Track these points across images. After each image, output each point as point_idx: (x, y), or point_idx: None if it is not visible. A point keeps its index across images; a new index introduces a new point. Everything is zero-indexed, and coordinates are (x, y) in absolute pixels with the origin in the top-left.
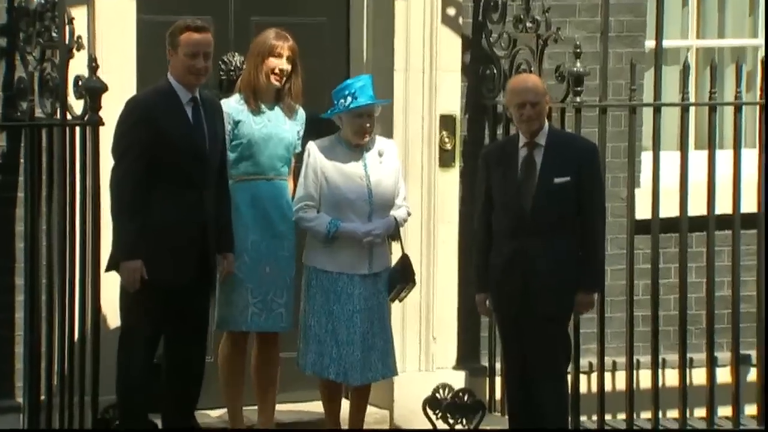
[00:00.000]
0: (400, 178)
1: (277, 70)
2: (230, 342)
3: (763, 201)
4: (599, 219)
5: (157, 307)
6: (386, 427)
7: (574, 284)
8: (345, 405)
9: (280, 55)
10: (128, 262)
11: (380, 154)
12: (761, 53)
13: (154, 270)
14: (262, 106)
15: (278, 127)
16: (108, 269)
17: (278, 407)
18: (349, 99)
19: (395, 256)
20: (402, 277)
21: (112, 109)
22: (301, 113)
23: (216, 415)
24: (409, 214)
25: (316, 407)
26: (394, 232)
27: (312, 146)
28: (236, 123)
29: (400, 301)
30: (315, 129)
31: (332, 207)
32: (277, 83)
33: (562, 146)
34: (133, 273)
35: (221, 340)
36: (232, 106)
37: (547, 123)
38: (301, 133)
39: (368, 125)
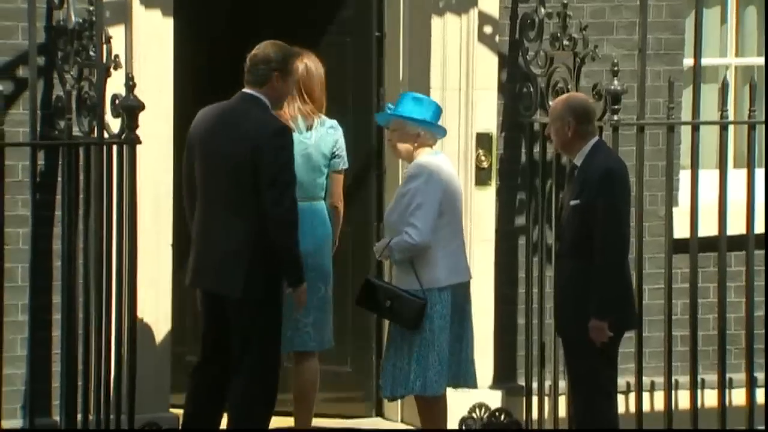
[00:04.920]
0: (409, 201)
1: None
2: None
3: None
4: (608, 245)
5: None
6: None
7: (585, 309)
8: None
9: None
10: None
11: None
12: None
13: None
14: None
15: None
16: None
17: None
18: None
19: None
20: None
21: (149, 128)
22: None
23: None
24: (408, 243)
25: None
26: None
27: None
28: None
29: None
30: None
31: None
32: None
33: (585, 168)
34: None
35: None
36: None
37: (591, 143)
38: None
39: (388, 140)
